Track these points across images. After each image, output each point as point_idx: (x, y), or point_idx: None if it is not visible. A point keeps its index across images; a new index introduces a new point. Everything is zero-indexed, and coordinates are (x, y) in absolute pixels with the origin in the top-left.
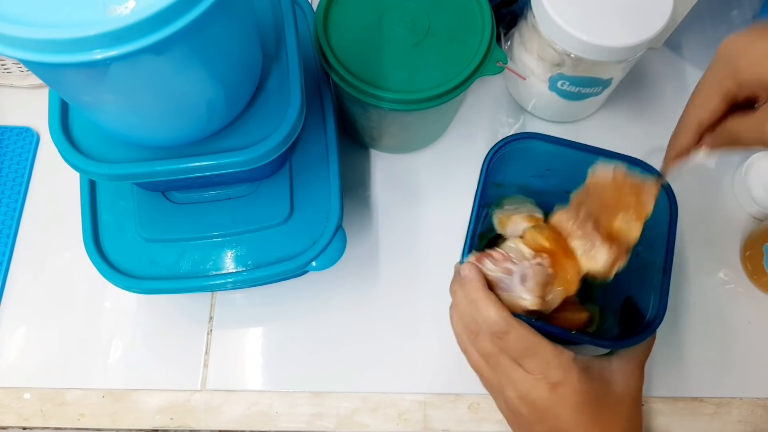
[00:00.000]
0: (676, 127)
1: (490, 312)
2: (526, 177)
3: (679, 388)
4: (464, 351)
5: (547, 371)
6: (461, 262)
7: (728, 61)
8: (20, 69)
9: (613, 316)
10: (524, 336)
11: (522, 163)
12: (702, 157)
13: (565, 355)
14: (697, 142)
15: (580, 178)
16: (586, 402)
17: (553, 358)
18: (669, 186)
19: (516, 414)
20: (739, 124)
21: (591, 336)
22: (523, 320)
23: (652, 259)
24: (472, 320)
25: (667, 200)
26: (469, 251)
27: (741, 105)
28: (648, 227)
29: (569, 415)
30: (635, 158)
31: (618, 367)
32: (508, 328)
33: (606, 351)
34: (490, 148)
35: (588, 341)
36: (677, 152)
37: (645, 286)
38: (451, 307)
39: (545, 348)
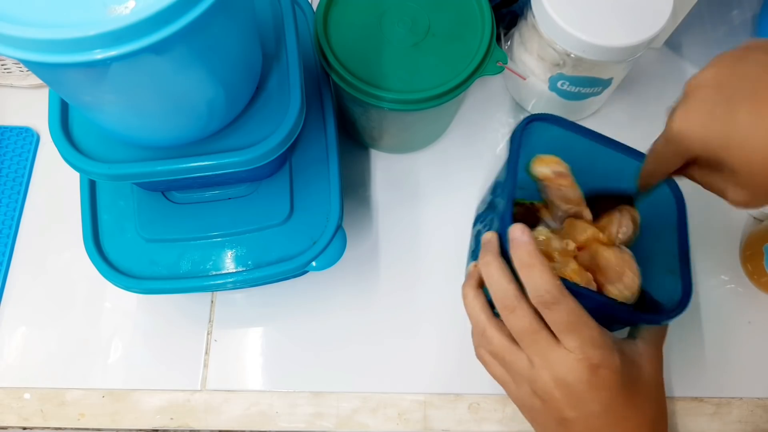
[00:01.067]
0: (644, 166)
1: (545, 277)
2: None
3: (679, 388)
4: (481, 334)
5: (590, 351)
6: (500, 229)
7: (681, 141)
8: (20, 69)
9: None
10: (574, 309)
11: (537, 148)
12: None
13: (607, 335)
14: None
15: (595, 170)
16: (622, 385)
17: (597, 336)
18: (675, 183)
19: (545, 399)
20: (696, 173)
21: (637, 312)
22: (573, 290)
23: (662, 247)
24: (508, 293)
25: (671, 193)
26: (510, 218)
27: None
28: (652, 218)
29: (606, 398)
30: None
31: (644, 350)
32: (560, 297)
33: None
34: (520, 122)
35: (634, 315)
36: (647, 184)
37: (657, 272)
38: (465, 285)
39: (591, 325)
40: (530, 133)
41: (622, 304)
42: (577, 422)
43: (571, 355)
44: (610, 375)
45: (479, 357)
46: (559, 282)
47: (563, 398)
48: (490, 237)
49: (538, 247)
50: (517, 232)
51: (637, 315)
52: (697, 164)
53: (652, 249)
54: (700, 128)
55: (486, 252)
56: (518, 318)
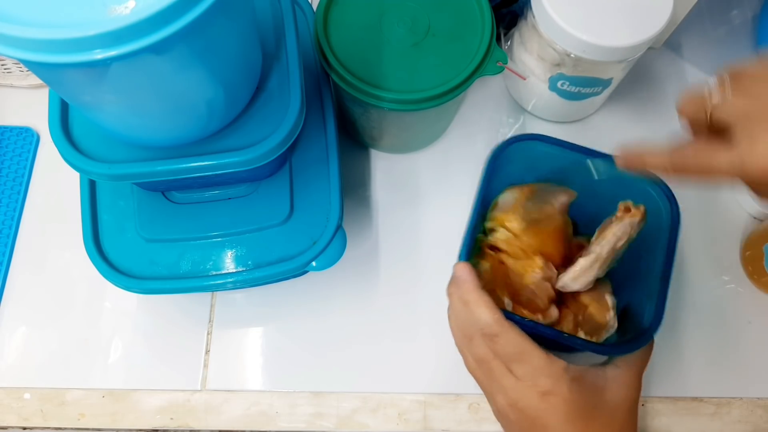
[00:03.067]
0: (653, 160)
1: (482, 313)
2: (527, 182)
3: (679, 388)
4: (461, 353)
5: (537, 378)
6: (459, 260)
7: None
8: (20, 69)
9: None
10: (515, 339)
11: (522, 166)
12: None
13: (556, 363)
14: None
15: (581, 182)
16: (577, 412)
17: (544, 365)
18: (671, 192)
19: (506, 420)
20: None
21: (585, 341)
22: (516, 321)
23: (652, 266)
24: (466, 323)
25: (669, 206)
26: (467, 252)
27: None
28: (649, 233)
29: (559, 425)
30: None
31: (613, 375)
32: (499, 330)
33: (603, 358)
34: (493, 149)
35: (582, 346)
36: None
37: (644, 293)
38: (448, 308)
39: (536, 354)
40: (511, 155)
41: (569, 336)
42: None
43: (520, 383)
44: (560, 402)
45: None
46: (498, 315)
47: (519, 422)
48: (454, 269)
49: (480, 281)
50: (459, 270)
51: (588, 345)
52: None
53: (644, 266)
54: None
55: (450, 283)
56: (475, 347)
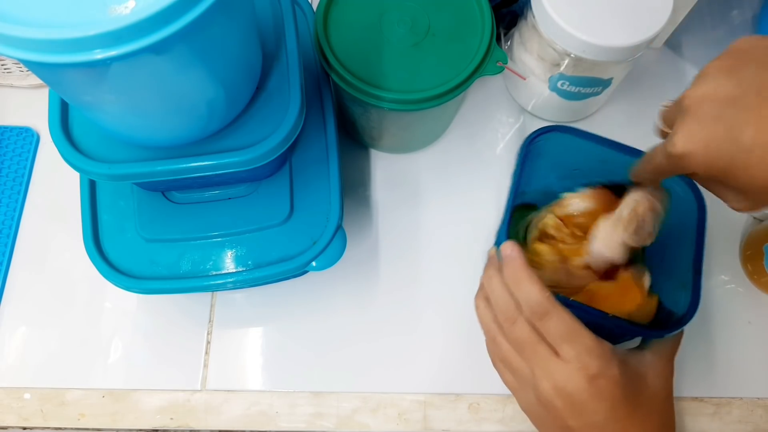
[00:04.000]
0: (637, 170)
1: (533, 291)
2: (551, 179)
3: (679, 388)
4: (492, 341)
5: (587, 360)
6: (497, 245)
7: (687, 165)
8: (20, 69)
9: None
10: (566, 319)
11: (548, 162)
12: None
13: (605, 345)
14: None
15: (607, 176)
16: (624, 396)
17: (593, 346)
18: (695, 184)
19: (548, 408)
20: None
21: (629, 323)
22: (563, 302)
23: (681, 257)
24: (508, 305)
25: (694, 198)
26: (507, 233)
27: None
28: (674, 225)
29: (607, 409)
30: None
31: (651, 361)
32: (550, 308)
33: (634, 346)
34: (525, 138)
35: (626, 326)
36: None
37: (671, 282)
38: (477, 296)
39: (585, 335)
40: (540, 145)
41: (613, 317)
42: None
43: (569, 365)
44: (609, 385)
45: (494, 365)
46: (548, 294)
47: (564, 407)
48: (492, 252)
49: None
50: (507, 249)
51: (631, 329)
52: (697, 176)
53: (671, 256)
54: (704, 149)
55: (488, 266)
56: (518, 329)
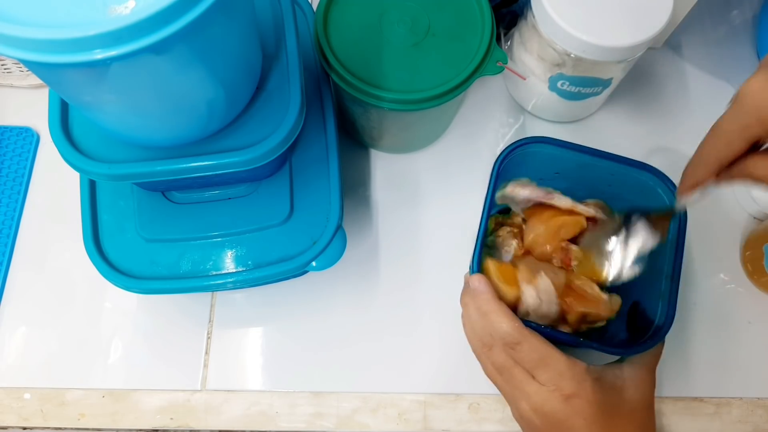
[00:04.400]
0: (693, 160)
1: (503, 323)
2: (534, 180)
3: (679, 388)
4: (478, 359)
5: (561, 383)
6: (471, 272)
7: (753, 108)
8: (20, 69)
9: (619, 321)
10: (537, 346)
11: (529, 167)
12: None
13: (578, 366)
14: (715, 176)
15: (588, 180)
16: (601, 413)
17: (566, 369)
18: (675, 191)
19: (531, 425)
20: (758, 163)
21: (600, 343)
22: (534, 329)
23: (660, 265)
24: (484, 332)
25: (675, 205)
26: (479, 262)
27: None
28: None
29: (584, 426)
30: (641, 162)
31: (630, 374)
32: (520, 338)
33: (615, 358)
34: (499, 154)
35: (597, 348)
36: (693, 184)
37: (652, 291)
38: (462, 316)
39: (558, 359)
40: (517, 158)
41: (586, 341)
42: None
43: (543, 388)
44: (584, 404)
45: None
46: (517, 323)
47: (544, 425)
48: (467, 278)
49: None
50: (475, 282)
51: (604, 349)
52: (761, 151)
53: (652, 266)
54: None
55: (464, 292)
56: (495, 355)
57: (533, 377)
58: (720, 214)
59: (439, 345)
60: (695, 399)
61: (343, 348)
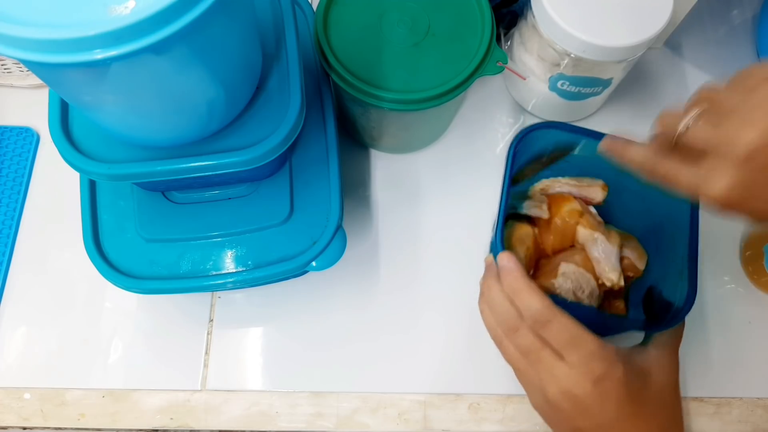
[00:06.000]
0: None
1: (534, 300)
2: (546, 173)
3: (680, 388)
4: (499, 345)
5: (591, 364)
6: (494, 253)
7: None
8: (20, 69)
9: (635, 308)
10: (568, 326)
11: (542, 152)
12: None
13: (608, 347)
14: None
15: (598, 167)
16: (630, 395)
17: (597, 349)
18: None
19: (557, 410)
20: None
21: (629, 319)
22: (561, 305)
23: (675, 247)
24: (510, 314)
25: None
26: (502, 242)
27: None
28: (668, 218)
29: (614, 409)
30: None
31: (656, 356)
32: (551, 316)
33: (638, 342)
34: (514, 136)
35: (627, 324)
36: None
37: (669, 274)
38: (480, 301)
39: (589, 339)
40: (529, 143)
41: (612, 316)
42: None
43: (573, 370)
44: (614, 386)
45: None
46: (548, 301)
47: (572, 410)
48: (489, 259)
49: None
50: (504, 260)
51: (631, 324)
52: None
53: (667, 245)
54: (748, 203)
55: (487, 275)
56: (521, 337)
57: (562, 359)
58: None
59: (439, 345)
60: (695, 399)
61: (343, 348)
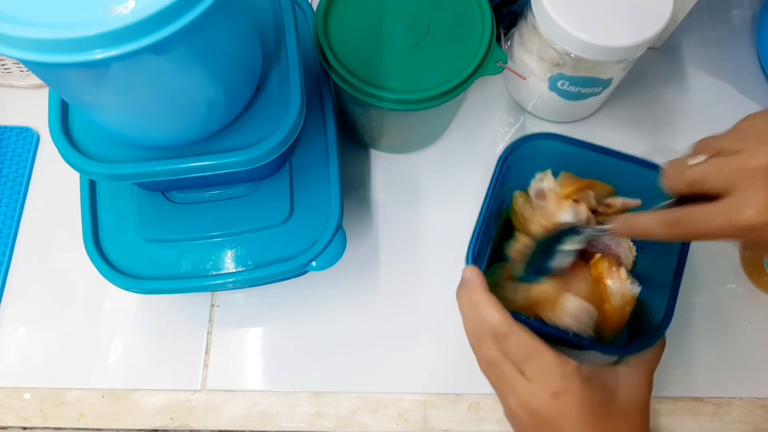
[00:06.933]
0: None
1: (490, 314)
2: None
3: (679, 388)
4: (474, 354)
5: (549, 378)
6: (466, 264)
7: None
8: (20, 69)
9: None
10: (525, 340)
11: (536, 162)
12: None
13: (568, 363)
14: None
15: (593, 177)
16: (590, 412)
17: (555, 365)
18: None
19: (519, 421)
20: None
21: (592, 341)
22: (523, 321)
23: (666, 265)
24: (476, 325)
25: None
26: (474, 255)
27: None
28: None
29: (571, 426)
30: (647, 160)
31: (624, 375)
32: (508, 330)
33: (613, 358)
34: (505, 147)
35: (589, 345)
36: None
37: (656, 291)
38: (459, 310)
39: (547, 354)
40: (524, 152)
41: (575, 335)
42: None
43: (531, 383)
44: (572, 403)
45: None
46: (506, 316)
47: (532, 422)
48: (464, 271)
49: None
50: (467, 273)
51: (596, 346)
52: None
53: (657, 265)
54: None
55: (459, 286)
56: (486, 349)
57: (522, 373)
58: None
59: (439, 345)
60: (695, 399)
61: (343, 348)
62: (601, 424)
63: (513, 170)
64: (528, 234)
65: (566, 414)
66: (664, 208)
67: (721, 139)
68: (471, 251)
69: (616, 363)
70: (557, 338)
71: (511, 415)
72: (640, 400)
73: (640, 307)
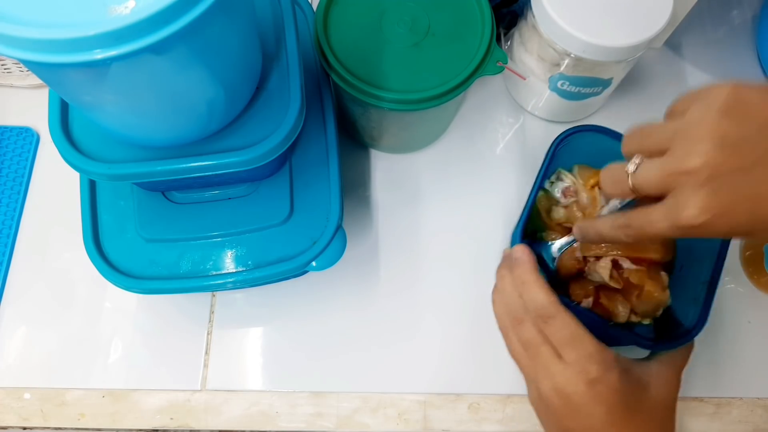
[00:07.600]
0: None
1: (539, 294)
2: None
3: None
4: (505, 336)
5: (587, 365)
6: (512, 245)
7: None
8: (20, 69)
9: (646, 324)
10: (570, 324)
11: (581, 154)
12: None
13: (608, 352)
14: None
15: None
16: (622, 403)
17: (595, 352)
18: None
19: (548, 406)
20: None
21: (632, 334)
22: (569, 306)
23: (696, 272)
24: (517, 306)
25: None
26: (522, 236)
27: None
28: (696, 242)
29: (602, 414)
30: None
31: (657, 371)
32: (555, 312)
33: (643, 355)
34: (556, 137)
35: (630, 337)
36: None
37: (685, 296)
38: (494, 291)
39: (588, 341)
40: (569, 144)
41: (615, 326)
42: None
43: (569, 368)
44: (607, 391)
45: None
46: (554, 298)
47: (562, 408)
48: (507, 252)
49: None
50: (518, 252)
51: (633, 338)
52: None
53: (688, 272)
54: (726, 219)
55: (502, 265)
56: (525, 330)
57: (560, 357)
58: None
59: (439, 345)
60: (695, 399)
61: (343, 348)
62: (631, 417)
63: (560, 159)
64: (559, 231)
65: (600, 402)
66: (624, 208)
67: (652, 136)
68: (520, 231)
69: (647, 359)
70: (597, 326)
71: (539, 399)
72: (670, 397)
73: (667, 313)
